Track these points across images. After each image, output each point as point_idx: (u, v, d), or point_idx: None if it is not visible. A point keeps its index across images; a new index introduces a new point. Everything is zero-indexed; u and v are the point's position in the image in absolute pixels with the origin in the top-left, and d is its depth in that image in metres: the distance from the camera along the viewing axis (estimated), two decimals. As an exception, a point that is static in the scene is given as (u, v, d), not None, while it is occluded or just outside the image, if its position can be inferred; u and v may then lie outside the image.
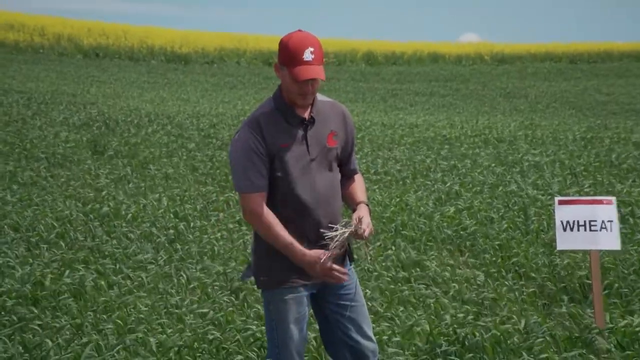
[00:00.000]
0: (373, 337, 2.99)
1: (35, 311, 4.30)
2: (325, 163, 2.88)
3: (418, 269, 5.10)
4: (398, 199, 7.20)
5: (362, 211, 2.86)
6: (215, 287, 4.78)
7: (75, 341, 3.90)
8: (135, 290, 4.70)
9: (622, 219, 6.03)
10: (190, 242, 5.84)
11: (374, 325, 3.70)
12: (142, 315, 4.24)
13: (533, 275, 5.00)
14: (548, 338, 3.71)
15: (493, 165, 9.11)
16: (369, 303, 4.13)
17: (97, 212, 6.64)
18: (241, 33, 33.22)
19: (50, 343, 3.80)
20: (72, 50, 28.10)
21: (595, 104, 19.12)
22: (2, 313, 4.30)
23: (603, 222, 3.82)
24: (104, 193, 7.51)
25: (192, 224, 6.34)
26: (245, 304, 4.52)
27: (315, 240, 2.83)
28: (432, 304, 4.41)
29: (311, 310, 2.99)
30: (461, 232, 5.96)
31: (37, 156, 9.26)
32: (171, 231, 6.10)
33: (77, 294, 4.63)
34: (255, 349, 3.74)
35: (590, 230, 3.83)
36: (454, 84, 24.95)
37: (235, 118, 13.24)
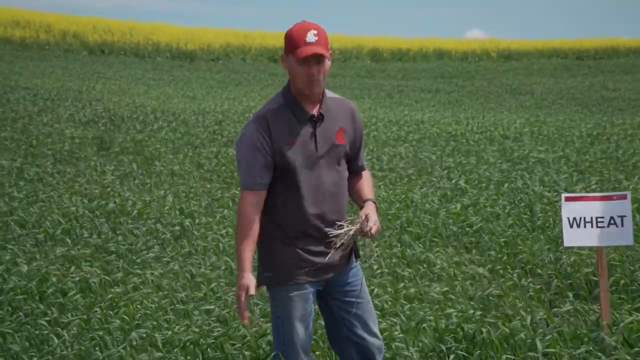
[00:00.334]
0: (379, 334, 2.99)
1: (42, 307, 4.32)
2: (333, 160, 2.88)
3: (425, 265, 5.10)
4: (403, 196, 7.20)
5: (369, 208, 2.85)
6: (221, 284, 4.79)
7: (82, 337, 3.91)
8: (141, 287, 4.71)
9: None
10: (196, 238, 5.85)
11: (379, 321, 3.70)
12: (148, 312, 4.25)
13: (539, 271, 4.99)
14: (555, 335, 3.70)
15: (499, 161, 9.09)
16: (374, 300, 4.12)
17: (103, 209, 6.66)
18: (247, 30, 33.23)
19: (56, 340, 3.81)
20: (77, 47, 28.15)
21: (601, 100, 19.06)
22: (9, 309, 4.31)
23: (612, 217, 3.81)
24: (108, 190, 7.53)
25: (197, 221, 6.35)
26: (251, 300, 4.52)
27: (320, 236, 2.82)
28: (437, 301, 4.41)
29: (317, 307, 2.99)
30: (467, 229, 5.95)
31: (43, 153, 9.29)
32: (177, 228, 6.11)
33: (83, 290, 4.64)
34: (264, 345, 3.74)
35: (598, 226, 3.82)
36: (459, 80, 24.90)
37: (240, 115, 13.25)
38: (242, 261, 2.78)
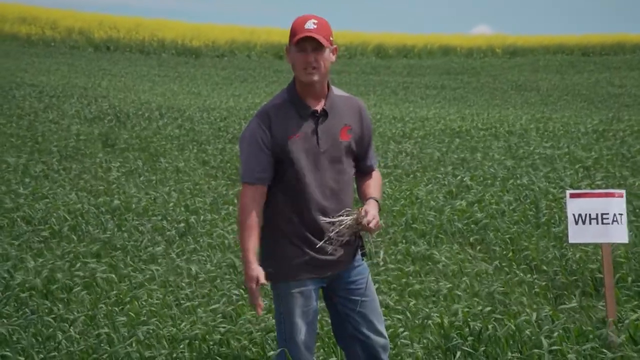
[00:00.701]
0: (384, 332, 2.99)
1: (48, 303, 4.34)
2: (337, 157, 2.87)
3: (429, 263, 5.10)
4: (408, 192, 7.19)
5: (370, 205, 2.84)
6: (226, 280, 4.79)
7: (88, 333, 3.92)
8: (146, 284, 4.72)
9: (634, 213, 6.00)
10: (201, 235, 5.86)
11: (385, 318, 3.70)
12: (153, 308, 4.26)
13: (544, 268, 4.98)
14: (561, 331, 3.70)
15: (504, 158, 9.08)
16: (379, 297, 4.13)
17: (109, 205, 6.68)
18: (252, 26, 33.21)
19: (61, 335, 3.82)
20: (83, 44, 28.20)
21: (607, 96, 19.00)
22: (16, 305, 4.33)
23: (615, 215, 3.81)
24: (114, 186, 7.54)
25: (202, 217, 6.36)
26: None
27: (322, 233, 2.82)
28: (442, 297, 4.41)
29: (323, 304, 3.00)
30: (472, 226, 5.95)
31: (49, 149, 9.31)
32: (182, 224, 6.12)
33: (88, 286, 4.66)
34: (270, 341, 3.75)
35: (603, 223, 3.81)
36: (465, 77, 24.84)
37: (245, 111, 13.26)
38: (247, 252, 2.78)
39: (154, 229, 6.01)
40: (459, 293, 4.48)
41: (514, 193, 7.04)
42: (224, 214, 6.51)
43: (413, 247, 5.39)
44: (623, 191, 3.87)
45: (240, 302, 4.39)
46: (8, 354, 3.65)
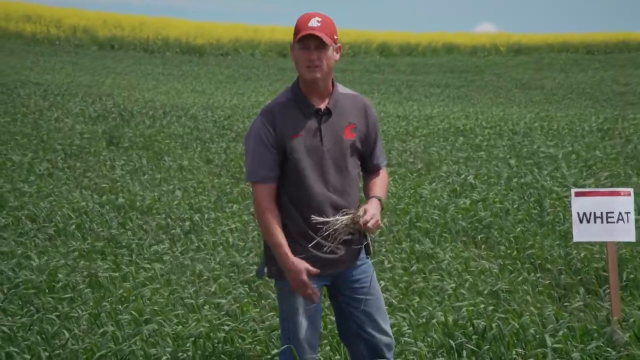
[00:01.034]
0: (389, 331, 2.98)
1: (52, 301, 4.35)
2: (341, 156, 2.87)
3: (433, 261, 5.10)
4: (412, 191, 7.19)
5: (370, 204, 2.83)
6: (231, 278, 4.80)
7: (92, 331, 3.93)
8: (148, 283, 4.73)
9: (638, 211, 5.98)
10: (205, 233, 5.87)
11: (389, 317, 3.69)
12: (156, 307, 4.27)
13: (549, 267, 4.98)
14: (565, 330, 3.69)
15: (508, 156, 9.06)
16: (384, 295, 4.12)
17: (113, 204, 6.69)
18: (256, 24, 33.22)
19: (66, 333, 3.83)
20: (87, 42, 28.24)
21: (612, 94, 18.95)
22: (20, 303, 4.34)
23: (620, 213, 3.80)
24: (117, 185, 7.56)
25: (206, 216, 6.36)
26: (260, 294, 4.54)
27: (326, 230, 2.82)
28: (447, 296, 4.41)
29: (328, 302, 3.00)
30: (476, 224, 5.94)
31: (54, 147, 9.33)
32: (186, 223, 6.13)
33: (93, 284, 4.66)
34: (274, 339, 3.75)
35: (608, 222, 3.80)
36: (469, 75, 24.81)
37: (249, 110, 13.26)
38: (280, 247, 2.77)
39: (158, 227, 6.02)
40: (463, 292, 4.48)
41: (518, 192, 7.03)
42: (228, 212, 6.51)
43: (417, 245, 5.39)
44: (630, 190, 3.86)
45: (245, 300, 4.40)
46: (14, 351, 3.66)
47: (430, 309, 4.15)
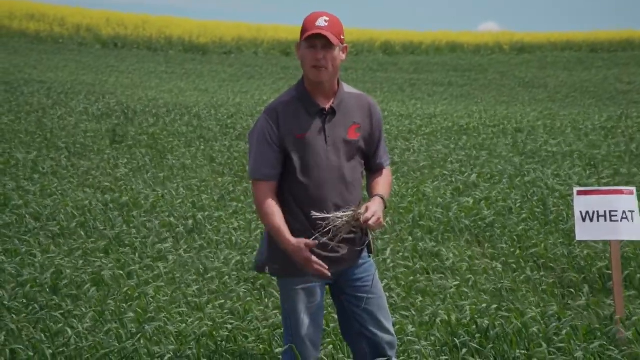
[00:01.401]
0: (391, 330, 2.99)
1: (57, 299, 4.36)
2: (345, 155, 2.87)
3: (436, 260, 5.10)
4: (415, 189, 7.19)
5: (373, 202, 2.83)
6: (233, 277, 4.81)
7: (96, 329, 3.94)
8: (152, 281, 4.74)
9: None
10: (208, 231, 5.88)
11: (392, 315, 3.70)
12: (161, 304, 4.28)
13: (552, 265, 4.97)
14: (569, 329, 3.69)
15: (511, 155, 9.06)
16: (386, 294, 4.13)
17: (117, 202, 6.70)
18: (259, 23, 33.22)
19: (70, 331, 3.85)
20: (91, 41, 28.27)
21: (615, 93, 18.91)
22: (25, 301, 4.36)
23: (624, 212, 3.79)
24: (120, 183, 7.57)
25: (209, 214, 6.37)
26: (263, 293, 4.54)
27: (327, 230, 2.82)
28: (450, 295, 4.41)
29: (331, 301, 3.00)
30: (479, 223, 5.94)
31: (58, 146, 9.35)
32: (190, 221, 6.14)
33: (97, 282, 4.68)
34: (277, 337, 3.76)
35: (611, 220, 3.80)
36: (472, 73, 24.78)
37: (253, 108, 13.27)
38: (278, 230, 2.77)
39: (161, 225, 6.03)
40: (466, 290, 4.48)
41: (522, 190, 7.03)
42: (232, 211, 6.52)
43: (420, 244, 5.39)
44: (633, 188, 3.86)
45: (248, 299, 4.41)
46: (19, 348, 3.68)
47: (434, 307, 4.16)
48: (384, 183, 2.94)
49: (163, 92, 16.05)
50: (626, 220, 3.79)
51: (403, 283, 4.61)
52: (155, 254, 5.32)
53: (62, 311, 4.17)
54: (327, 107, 2.86)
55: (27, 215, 6.20)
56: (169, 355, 3.61)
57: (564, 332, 3.66)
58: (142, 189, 7.31)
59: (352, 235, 2.85)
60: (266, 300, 4.44)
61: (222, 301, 4.34)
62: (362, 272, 2.95)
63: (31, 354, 3.64)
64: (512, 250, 5.29)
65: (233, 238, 5.64)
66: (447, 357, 3.58)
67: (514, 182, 7.44)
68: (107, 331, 3.87)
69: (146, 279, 4.74)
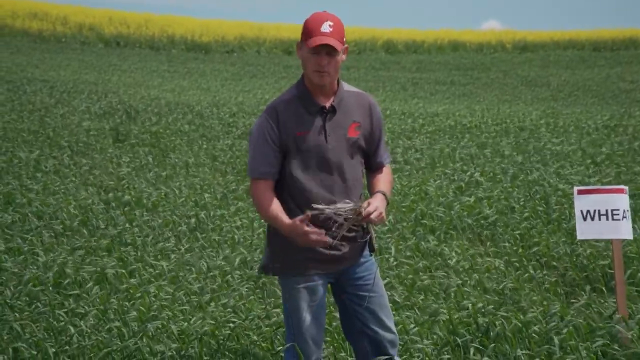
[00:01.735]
0: (393, 328, 2.99)
1: (59, 298, 4.37)
2: (345, 153, 2.88)
3: (438, 258, 5.10)
4: (418, 188, 7.18)
5: (374, 198, 2.83)
6: (236, 276, 4.81)
7: (99, 328, 3.95)
8: (153, 280, 4.74)
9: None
10: (210, 230, 5.88)
11: (393, 313, 3.70)
12: (164, 303, 4.29)
13: (554, 264, 4.97)
14: (571, 328, 3.69)
15: (514, 154, 9.05)
16: (388, 292, 4.13)
17: (119, 201, 6.71)
18: (261, 22, 33.24)
19: (72, 329, 3.85)
20: (93, 39, 28.29)
21: (618, 92, 18.89)
22: (28, 299, 4.36)
23: (625, 211, 3.79)
24: (123, 182, 7.57)
25: (211, 213, 6.37)
26: (265, 292, 4.55)
27: (328, 227, 2.82)
28: (452, 293, 4.41)
29: (333, 300, 3.00)
30: (482, 221, 5.94)
31: (60, 144, 9.36)
32: (192, 220, 6.14)
33: (99, 281, 4.68)
34: (279, 336, 3.76)
35: (613, 219, 3.80)
36: (475, 72, 24.76)
37: (255, 107, 13.27)
38: (278, 217, 2.76)
39: (164, 224, 6.04)
40: (468, 289, 4.48)
41: (524, 189, 7.02)
42: (234, 210, 6.52)
43: (422, 243, 5.39)
44: (625, 187, 3.85)
45: (250, 297, 4.41)
46: (22, 346, 3.68)
47: (436, 306, 4.16)
48: (384, 180, 2.94)
49: (165, 90, 16.05)
50: (625, 219, 3.79)
51: (405, 281, 4.61)
52: (158, 252, 5.32)
53: (65, 310, 4.18)
54: (328, 105, 2.87)
55: (29, 214, 6.21)
56: (171, 354, 3.62)
57: (564, 330, 3.66)
58: (144, 187, 7.32)
59: (353, 234, 2.85)
60: (268, 298, 4.44)
61: (225, 300, 4.34)
62: (364, 270, 2.95)
63: (34, 352, 3.64)
64: (515, 249, 5.29)
65: (235, 237, 5.64)
66: (449, 356, 3.58)
67: (516, 180, 7.43)
68: (109, 329, 3.88)
69: (148, 277, 4.75)
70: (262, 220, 2.93)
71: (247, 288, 4.57)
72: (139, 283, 4.63)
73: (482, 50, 31.76)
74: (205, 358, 3.62)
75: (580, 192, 3.86)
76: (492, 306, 4.09)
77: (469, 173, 7.90)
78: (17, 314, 4.12)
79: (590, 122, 11.83)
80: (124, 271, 4.81)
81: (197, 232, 5.86)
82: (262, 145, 2.82)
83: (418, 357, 3.54)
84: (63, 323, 3.96)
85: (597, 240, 5.00)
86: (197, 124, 11.24)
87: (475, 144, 9.86)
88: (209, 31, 30.32)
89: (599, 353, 3.49)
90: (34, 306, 4.26)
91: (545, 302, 4.23)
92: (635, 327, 3.69)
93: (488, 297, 4.34)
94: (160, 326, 3.90)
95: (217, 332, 3.83)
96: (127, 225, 5.99)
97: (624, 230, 3.79)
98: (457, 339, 3.66)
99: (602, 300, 4.31)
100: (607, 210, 3.81)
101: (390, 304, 3.11)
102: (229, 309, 4.21)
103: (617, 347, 3.54)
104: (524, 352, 3.51)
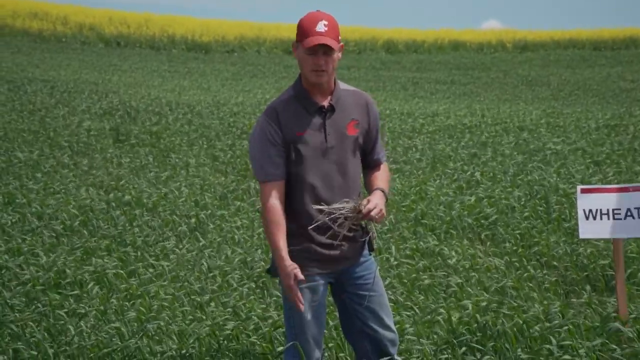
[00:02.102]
0: (393, 327, 2.99)
1: (59, 298, 4.37)
2: (345, 152, 2.88)
3: (438, 258, 5.09)
4: (418, 188, 7.18)
5: (374, 195, 2.83)
6: (236, 276, 4.81)
7: (99, 328, 3.95)
8: (155, 279, 4.74)
9: None
10: (211, 230, 5.88)
11: (393, 313, 3.69)
12: (164, 304, 4.28)
13: (555, 264, 4.97)
14: (570, 327, 3.69)
15: (515, 153, 9.05)
16: (388, 292, 4.13)
17: (119, 201, 6.71)
18: (261, 22, 33.26)
19: (72, 330, 3.85)
20: (94, 39, 28.30)
21: (619, 91, 18.88)
22: (27, 299, 4.36)
23: (629, 209, 3.78)
24: (122, 182, 7.57)
25: (212, 213, 6.37)
26: (265, 292, 4.55)
27: (327, 229, 2.82)
28: (452, 293, 4.41)
29: (331, 299, 3.00)
30: (482, 221, 5.93)
31: (60, 144, 9.36)
32: (192, 220, 6.14)
33: (99, 281, 4.68)
34: (278, 336, 3.76)
35: (615, 218, 3.79)
36: (475, 72, 24.75)
37: (255, 107, 13.27)
38: (279, 251, 2.78)
39: (164, 224, 6.04)
40: (469, 289, 4.48)
41: (525, 188, 7.02)
42: (234, 210, 6.52)
43: (422, 242, 5.39)
44: (626, 185, 3.84)
45: (251, 297, 4.41)
46: (21, 347, 3.68)
47: (435, 305, 4.15)
48: (382, 178, 2.95)
49: (166, 90, 16.06)
50: (631, 218, 3.78)
51: (405, 281, 4.60)
52: (158, 252, 5.32)
53: (65, 310, 4.18)
54: (326, 104, 2.87)
55: (29, 214, 6.21)
56: (171, 354, 3.61)
57: (563, 328, 3.66)
58: (144, 187, 7.32)
59: (352, 233, 2.85)
60: (268, 298, 4.44)
61: (227, 299, 4.34)
62: (363, 270, 2.95)
63: (34, 352, 3.64)
64: (515, 248, 5.29)
65: (236, 237, 5.64)
66: (448, 356, 3.58)
67: (516, 180, 7.43)
68: (109, 330, 3.87)
69: (148, 277, 4.75)
70: (263, 224, 2.91)
71: (247, 288, 4.57)
72: (138, 283, 4.63)
73: (483, 50, 31.75)
74: (206, 358, 3.62)
75: (583, 191, 3.86)
76: (492, 305, 4.08)
77: (469, 173, 7.89)
78: (17, 315, 4.12)
79: (590, 121, 11.83)
80: (122, 272, 4.81)
81: (198, 232, 5.86)
82: (266, 147, 2.81)
83: (418, 357, 3.54)
84: (63, 323, 3.96)
85: (597, 239, 4.99)
86: (198, 124, 11.24)
87: (476, 144, 9.86)
88: (209, 31, 30.32)
89: (598, 352, 3.49)
90: (34, 306, 4.25)
91: (545, 302, 4.23)
92: (635, 326, 3.68)
93: (488, 296, 4.34)
94: (160, 326, 3.90)
95: (217, 332, 3.83)
96: (128, 225, 5.99)
97: (627, 229, 3.78)
98: (457, 338, 3.66)
99: (602, 300, 4.30)
100: (609, 210, 3.80)
101: (391, 304, 3.11)
102: (229, 309, 4.21)
103: (615, 346, 3.54)
104: (523, 351, 3.51)
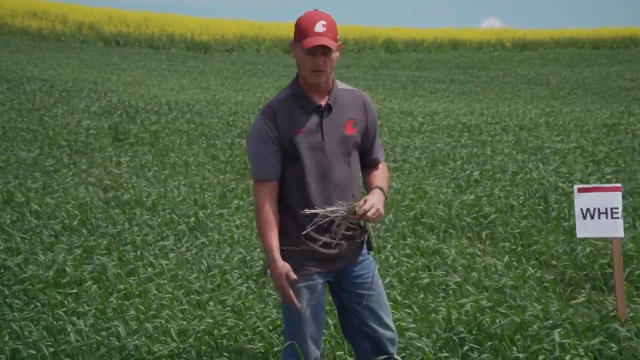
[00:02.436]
0: (392, 326, 2.99)
1: (58, 297, 4.36)
2: (343, 151, 2.88)
3: (437, 257, 5.10)
4: (417, 187, 7.18)
5: (372, 194, 2.83)
6: (235, 275, 4.81)
7: (98, 327, 3.95)
8: (154, 278, 4.74)
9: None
10: (210, 229, 5.88)
11: (393, 312, 3.70)
12: (163, 302, 4.29)
13: (554, 263, 4.97)
14: (569, 326, 3.69)
15: (514, 152, 9.05)
16: (387, 291, 4.13)
17: (118, 200, 6.70)
18: (261, 21, 33.22)
19: (71, 329, 3.85)
20: (93, 38, 28.28)
21: (618, 90, 18.88)
22: (26, 298, 4.36)
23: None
24: (121, 180, 7.57)
25: (211, 212, 6.37)
26: (265, 291, 4.55)
27: (327, 226, 2.82)
28: (451, 291, 4.41)
29: (330, 299, 3.00)
30: (481, 220, 5.94)
31: (59, 143, 9.36)
32: (191, 219, 6.14)
33: (98, 280, 4.68)
34: (275, 336, 3.76)
35: (612, 217, 3.79)
36: (474, 71, 24.75)
37: (254, 106, 13.27)
38: (271, 251, 2.79)
39: (163, 223, 6.04)
40: (468, 287, 4.48)
41: (524, 187, 7.02)
42: (234, 208, 6.52)
43: (422, 241, 5.39)
44: (619, 185, 3.85)
45: (250, 297, 4.41)
46: (19, 347, 3.68)
47: (434, 304, 4.15)
48: (381, 176, 2.95)
49: (165, 89, 16.05)
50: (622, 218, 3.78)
51: (404, 280, 4.61)
52: (157, 251, 5.32)
53: (64, 309, 4.18)
54: (323, 104, 2.87)
55: (28, 213, 6.21)
56: (169, 353, 3.61)
57: (562, 328, 3.66)
58: (144, 186, 7.31)
59: (350, 233, 2.85)
60: (267, 298, 4.44)
61: (226, 298, 4.34)
62: (362, 269, 2.95)
63: (32, 352, 3.64)
64: (514, 247, 5.29)
65: (235, 236, 5.64)
66: (447, 354, 3.58)
67: (515, 179, 7.43)
68: (108, 328, 3.87)
69: (148, 276, 4.75)
70: (256, 224, 2.92)
71: (246, 287, 4.57)
72: (138, 282, 4.63)
73: (482, 49, 31.73)
74: (204, 357, 3.62)
75: (580, 190, 3.86)
76: (494, 303, 4.09)
77: (468, 172, 7.89)
78: (16, 314, 4.12)
79: (589, 120, 11.83)
80: (120, 271, 4.81)
81: (197, 231, 5.85)
82: (263, 146, 2.81)
83: (417, 355, 3.54)
84: (62, 322, 3.96)
85: (596, 239, 5.00)
86: (197, 123, 11.24)
87: (475, 143, 9.86)
88: (209, 30, 30.30)
89: (597, 351, 3.49)
90: (32, 305, 4.25)
91: (544, 300, 4.23)
92: (633, 325, 3.68)
93: (487, 295, 4.34)
94: (159, 325, 3.90)
95: (216, 331, 3.83)
96: (127, 224, 5.99)
97: (622, 229, 3.79)
98: (454, 337, 3.66)
99: (602, 299, 4.30)
100: (606, 209, 3.80)
101: (390, 303, 3.11)
102: (228, 308, 4.21)
103: (614, 345, 3.54)
104: (522, 350, 3.51)
